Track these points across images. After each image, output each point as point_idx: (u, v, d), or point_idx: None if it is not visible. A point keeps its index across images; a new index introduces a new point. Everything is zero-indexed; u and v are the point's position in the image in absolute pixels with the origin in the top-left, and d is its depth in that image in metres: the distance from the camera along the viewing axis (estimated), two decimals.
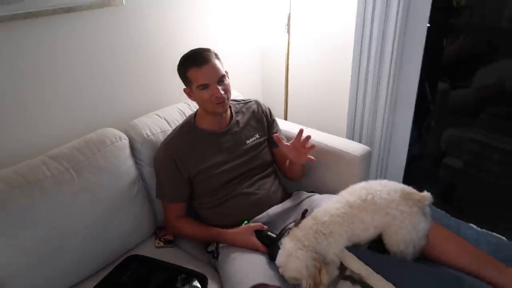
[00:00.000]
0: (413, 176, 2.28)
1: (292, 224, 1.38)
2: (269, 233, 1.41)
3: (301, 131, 1.43)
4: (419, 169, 2.46)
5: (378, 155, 1.87)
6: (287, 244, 1.24)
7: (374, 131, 1.85)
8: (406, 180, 1.96)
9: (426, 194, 1.23)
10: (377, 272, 1.19)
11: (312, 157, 1.46)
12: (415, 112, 1.99)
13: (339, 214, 1.25)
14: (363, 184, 1.32)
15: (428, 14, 1.69)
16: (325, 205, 1.31)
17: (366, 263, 1.21)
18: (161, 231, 1.63)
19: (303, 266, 1.18)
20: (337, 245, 1.24)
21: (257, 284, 1.23)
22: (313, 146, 1.43)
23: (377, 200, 1.24)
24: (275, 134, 1.52)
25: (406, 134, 1.92)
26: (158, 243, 1.57)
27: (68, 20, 1.45)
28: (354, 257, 1.24)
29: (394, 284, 1.15)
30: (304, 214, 1.41)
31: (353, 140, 1.89)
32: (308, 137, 1.42)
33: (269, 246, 1.35)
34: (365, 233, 1.26)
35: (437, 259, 1.24)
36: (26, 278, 1.23)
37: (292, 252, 1.21)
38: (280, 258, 1.24)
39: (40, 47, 1.42)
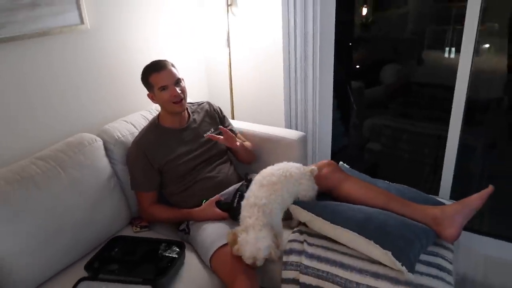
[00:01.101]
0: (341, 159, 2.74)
1: (240, 184, 1.76)
2: (225, 201, 1.74)
3: (221, 128, 1.84)
4: (348, 154, 2.92)
5: (311, 140, 2.27)
6: (248, 237, 1.41)
7: (306, 121, 2.24)
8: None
9: (314, 167, 1.68)
10: (317, 215, 1.55)
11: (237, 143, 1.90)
12: (341, 110, 2.43)
13: (271, 193, 1.53)
14: (275, 167, 1.64)
15: (333, 28, 2.16)
16: (256, 192, 1.54)
17: (309, 211, 1.58)
18: (136, 220, 1.87)
19: (270, 240, 1.43)
20: (276, 216, 1.54)
21: (224, 244, 1.54)
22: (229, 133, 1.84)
23: (293, 174, 1.61)
24: (213, 133, 1.88)
25: (329, 124, 2.37)
26: (135, 229, 1.81)
27: (43, 43, 1.69)
28: (300, 208, 1.60)
29: (330, 221, 1.52)
30: (246, 176, 1.82)
31: (290, 128, 2.28)
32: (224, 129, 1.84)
33: (228, 210, 1.66)
34: (290, 198, 1.62)
35: (356, 201, 1.63)
36: (27, 258, 1.42)
37: (257, 237, 1.41)
38: (249, 251, 1.40)
39: (20, 66, 1.64)
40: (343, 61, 2.85)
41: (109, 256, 1.55)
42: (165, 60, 1.78)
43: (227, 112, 2.28)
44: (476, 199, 1.50)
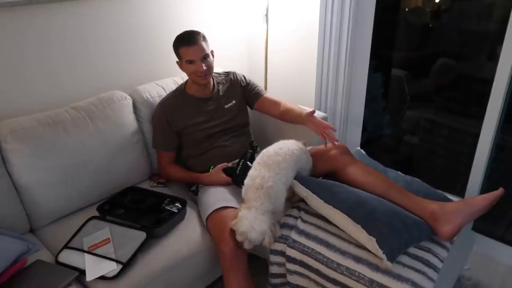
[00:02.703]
0: (376, 148, 2.66)
1: (244, 152, 1.80)
2: (230, 167, 1.82)
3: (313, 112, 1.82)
4: (384, 144, 2.82)
5: (339, 123, 2.25)
6: (248, 215, 1.47)
7: (335, 103, 2.23)
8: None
9: (304, 141, 1.76)
10: (313, 193, 1.57)
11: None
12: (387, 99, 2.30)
13: (277, 172, 1.56)
14: (276, 147, 1.66)
15: (373, 12, 2.09)
16: (262, 173, 1.55)
17: (307, 188, 1.60)
18: (155, 176, 2.03)
19: (267, 228, 1.47)
20: (281, 196, 1.56)
21: (221, 206, 1.64)
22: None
23: (295, 151, 1.64)
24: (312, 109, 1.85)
25: (360, 109, 2.32)
26: (152, 184, 1.97)
27: (90, 5, 1.86)
28: (299, 183, 1.62)
29: (324, 200, 1.53)
30: (252, 144, 1.88)
31: (320, 109, 2.28)
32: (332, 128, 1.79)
33: (232, 175, 1.74)
34: (293, 176, 1.63)
35: (357, 186, 1.62)
36: (51, 192, 1.65)
37: (256, 217, 1.46)
38: (244, 227, 1.45)
39: (67, 25, 1.83)
40: (393, 49, 2.73)
41: (120, 202, 1.72)
42: (197, 33, 1.83)
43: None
44: (481, 200, 1.42)
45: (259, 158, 1.64)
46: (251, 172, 1.60)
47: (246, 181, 1.59)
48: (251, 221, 1.45)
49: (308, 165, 1.71)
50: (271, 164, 1.59)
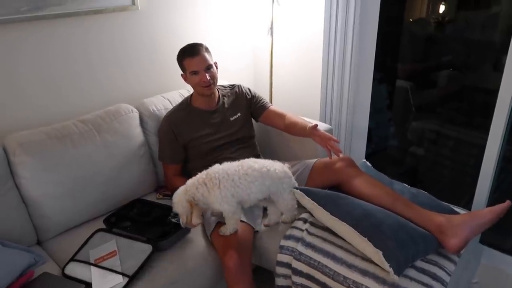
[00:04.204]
0: (381, 159, 2.65)
1: None
2: None
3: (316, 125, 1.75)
4: (390, 155, 2.82)
5: (344, 135, 2.25)
6: (181, 186, 1.56)
7: (340, 116, 2.23)
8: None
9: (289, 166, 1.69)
10: (319, 205, 1.57)
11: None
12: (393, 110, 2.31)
13: (241, 176, 1.55)
14: (261, 160, 1.64)
15: (376, 26, 2.11)
16: (226, 166, 1.59)
17: (312, 199, 1.59)
18: (161, 188, 2.04)
19: (180, 204, 1.52)
20: (221, 197, 1.52)
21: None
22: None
23: (278, 172, 1.60)
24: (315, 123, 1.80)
25: (365, 121, 2.32)
26: (158, 196, 1.98)
27: (96, 20, 1.90)
28: (304, 195, 1.62)
29: (330, 213, 1.53)
30: (258, 156, 1.89)
31: (325, 121, 2.29)
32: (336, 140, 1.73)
33: None
34: (254, 195, 1.57)
35: (363, 198, 1.61)
36: (59, 205, 1.66)
37: (179, 192, 1.55)
38: (174, 193, 1.56)
39: (73, 40, 1.87)
40: (398, 60, 2.74)
41: (126, 214, 1.73)
42: (199, 45, 1.87)
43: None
44: (487, 213, 1.41)
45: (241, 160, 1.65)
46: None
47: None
48: (177, 193, 1.55)
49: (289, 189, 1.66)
50: (244, 165, 1.58)
